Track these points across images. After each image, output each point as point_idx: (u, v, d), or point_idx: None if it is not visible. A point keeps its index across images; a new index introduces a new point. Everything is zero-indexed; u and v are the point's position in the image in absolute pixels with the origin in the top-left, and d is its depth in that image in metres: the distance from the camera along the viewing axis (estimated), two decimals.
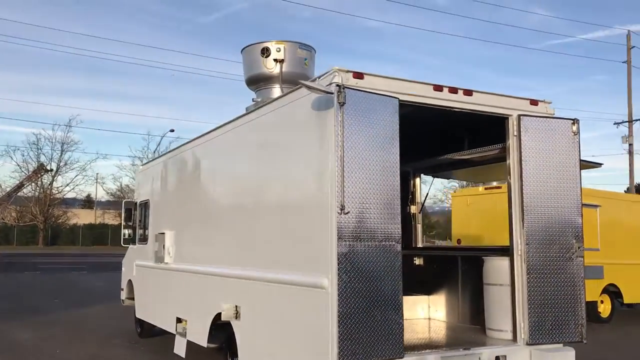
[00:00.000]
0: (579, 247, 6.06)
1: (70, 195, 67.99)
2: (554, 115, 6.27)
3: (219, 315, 7.35)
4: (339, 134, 4.93)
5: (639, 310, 17.28)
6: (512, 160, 6.04)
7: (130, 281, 11.65)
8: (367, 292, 4.95)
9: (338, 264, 4.84)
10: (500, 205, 14.10)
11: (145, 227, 10.94)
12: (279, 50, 7.05)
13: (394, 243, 5.16)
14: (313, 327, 5.22)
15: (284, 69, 7.13)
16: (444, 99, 5.77)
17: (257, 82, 7.56)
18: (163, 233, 9.38)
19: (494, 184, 15.46)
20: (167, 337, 11.24)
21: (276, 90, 7.36)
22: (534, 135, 6.03)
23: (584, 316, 6.02)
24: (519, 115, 6.03)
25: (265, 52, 7.11)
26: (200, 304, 7.84)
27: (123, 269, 12.26)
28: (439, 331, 6.95)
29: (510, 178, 6.07)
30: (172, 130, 69.18)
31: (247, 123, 6.64)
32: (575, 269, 6.02)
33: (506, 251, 6.45)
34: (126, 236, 11.63)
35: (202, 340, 7.74)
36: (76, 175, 65.80)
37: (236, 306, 6.81)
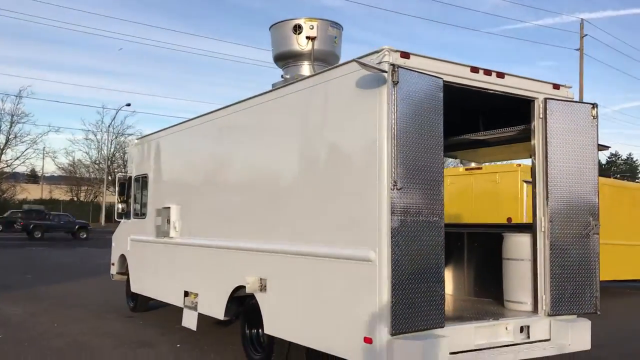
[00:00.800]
0: (595, 225, 6.42)
1: (20, 169, 65.97)
2: (575, 100, 6.57)
3: (237, 288, 7.48)
4: (392, 112, 5.08)
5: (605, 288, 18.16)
6: (538, 141, 6.33)
7: (122, 256, 11.55)
8: (415, 265, 5.16)
9: (392, 238, 5.02)
10: (478, 186, 14.62)
11: (142, 202, 10.84)
12: (311, 28, 7.10)
13: (438, 218, 5.37)
14: (356, 297, 5.41)
15: (315, 47, 7.19)
16: (479, 81, 5.98)
17: (287, 58, 7.60)
18: (168, 207, 9.35)
19: (473, 164, 15.88)
20: (162, 311, 11.29)
21: (305, 68, 7.43)
22: (558, 118, 6.32)
23: (598, 289, 6.41)
24: (545, 99, 6.31)
25: (298, 29, 7.15)
26: (216, 277, 7.91)
27: (113, 243, 12.12)
28: (459, 304, 7.25)
29: (534, 158, 6.36)
30: (128, 105, 68.07)
31: (283, 96, 6.67)
32: (591, 245, 6.39)
33: (519, 228, 6.76)
34: (120, 211, 11.50)
35: (218, 313, 7.83)
36: (27, 149, 63.64)
37: (261, 279, 6.93)
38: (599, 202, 6.49)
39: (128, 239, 11.11)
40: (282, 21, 7.42)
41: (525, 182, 12.63)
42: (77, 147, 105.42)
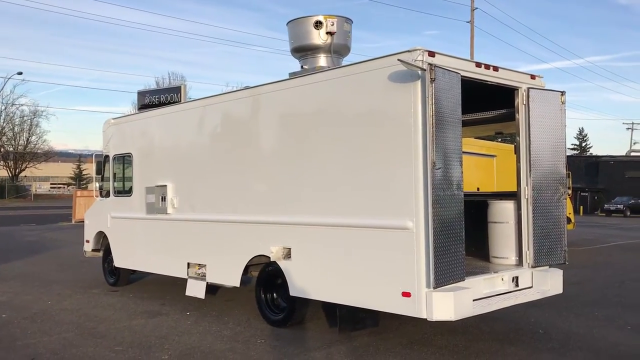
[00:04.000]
0: (563, 192, 7.85)
1: None
2: (548, 88, 7.90)
3: (253, 258, 8.30)
4: (430, 104, 6.09)
5: None
6: (522, 124, 7.59)
7: (99, 233, 11.83)
8: (446, 230, 6.27)
9: (432, 209, 6.08)
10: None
11: (125, 180, 11.18)
12: (332, 24, 7.87)
13: (460, 191, 6.50)
14: (393, 260, 6.46)
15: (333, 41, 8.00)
16: (481, 74, 7.12)
17: (305, 51, 8.33)
18: (164, 185, 9.85)
19: None
20: (143, 284, 11.78)
21: (322, 59, 8.21)
22: (537, 104, 7.62)
23: (566, 244, 7.87)
24: (528, 88, 7.57)
25: (319, 25, 7.90)
26: (230, 249, 8.64)
27: (87, 221, 12.32)
28: None
29: (519, 138, 7.63)
30: (19, 73, 64.10)
31: (309, 84, 7.47)
32: (561, 208, 7.81)
33: (499, 196, 8.08)
34: (98, 189, 11.73)
35: (233, 281, 8.61)
36: None
37: (284, 248, 7.79)
38: (565, 172, 7.91)
39: (108, 216, 11.42)
40: (301, 17, 8.14)
41: None
42: None
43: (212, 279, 9.03)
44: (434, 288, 6.10)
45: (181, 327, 8.23)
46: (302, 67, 8.47)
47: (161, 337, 7.69)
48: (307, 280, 7.53)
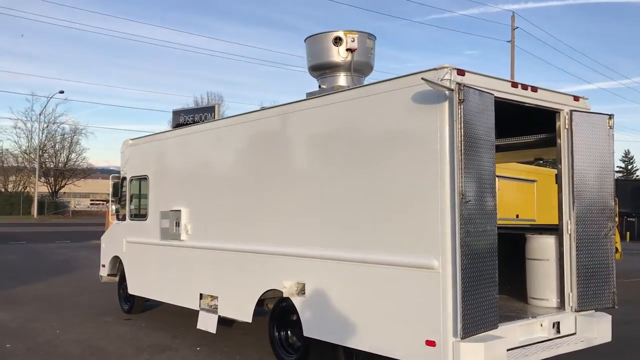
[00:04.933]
0: (611, 227, 6.99)
1: None
2: (594, 111, 7.09)
3: (266, 292, 7.66)
4: (458, 128, 5.39)
5: None
6: (564, 149, 6.80)
7: (115, 258, 11.39)
8: (477, 271, 5.52)
9: (461, 247, 5.34)
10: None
11: (141, 204, 10.73)
12: (352, 41, 7.28)
13: (493, 226, 5.75)
14: (416, 302, 5.72)
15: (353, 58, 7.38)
16: (518, 95, 6.38)
17: (323, 69, 7.75)
18: (178, 210, 9.33)
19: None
20: (159, 312, 11.26)
21: (342, 78, 7.60)
22: (581, 129, 6.82)
23: (615, 285, 7.00)
24: (571, 111, 6.79)
25: (338, 41, 7.31)
26: (242, 281, 8.02)
27: (103, 245, 11.91)
28: None
29: (561, 166, 6.84)
30: (61, 92, 65.30)
31: (324, 106, 6.86)
32: (609, 245, 6.95)
33: (539, 230, 7.25)
34: (114, 212, 11.32)
35: (245, 316, 7.97)
36: None
37: (298, 283, 7.13)
38: (614, 206, 7.06)
39: (124, 240, 10.96)
40: (319, 33, 7.57)
41: None
42: (5, 136, 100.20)
43: (224, 312, 8.41)
44: (462, 338, 5.34)
45: None
46: (319, 86, 7.86)
47: None
48: (321, 320, 6.84)
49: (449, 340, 5.46)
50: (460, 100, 5.40)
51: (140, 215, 10.71)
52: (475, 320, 5.45)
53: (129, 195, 11.04)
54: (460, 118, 5.40)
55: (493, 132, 5.82)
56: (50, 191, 70.46)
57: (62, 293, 13.65)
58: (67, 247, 27.28)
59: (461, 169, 5.38)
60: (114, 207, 11.28)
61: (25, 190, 67.55)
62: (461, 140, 5.39)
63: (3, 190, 67.51)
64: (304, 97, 7.38)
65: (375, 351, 6.17)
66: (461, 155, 5.38)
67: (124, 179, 11.17)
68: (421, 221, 5.74)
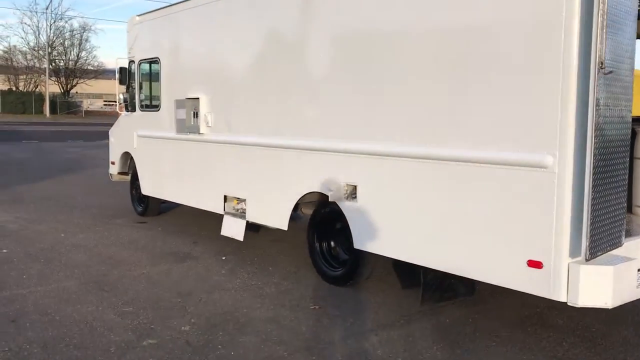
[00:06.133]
0: None
1: None
2: None
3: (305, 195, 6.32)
4: None
5: None
6: None
7: (126, 154, 10.06)
8: (609, 173, 4.06)
9: (594, 139, 3.84)
10: None
11: (152, 92, 9.24)
12: None
13: (628, 112, 4.22)
14: (518, 211, 4.33)
15: None
16: None
17: None
18: (196, 98, 7.83)
19: None
20: (176, 214, 10.08)
21: None
22: None
23: None
24: None
25: None
26: (276, 182, 6.66)
27: (112, 139, 10.56)
28: None
29: None
30: None
31: None
32: None
33: None
34: (122, 102, 9.86)
35: (279, 223, 6.68)
36: None
37: (348, 184, 5.74)
38: None
39: (134, 134, 9.57)
40: None
41: None
42: (12, 32, 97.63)
43: (253, 217, 7.12)
44: (587, 259, 3.96)
45: (212, 279, 6.43)
46: None
47: (186, 294, 5.89)
48: (379, 231, 5.49)
49: (563, 261, 4.10)
50: None
51: (152, 105, 9.25)
52: (603, 236, 4.05)
53: (138, 83, 9.51)
54: None
55: None
56: (62, 90, 68.97)
57: (71, 193, 12.51)
58: (79, 146, 26.16)
59: (604, 26, 3.76)
60: (121, 96, 9.80)
61: (37, 90, 66.14)
62: None
63: (15, 89, 66.15)
64: None
65: (454, 271, 4.85)
66: (603, 4, 3.75)
67: (132, 62, 9.60)
68: (529, 99, 4.21)
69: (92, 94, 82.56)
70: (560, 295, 4.11)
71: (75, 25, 67.29)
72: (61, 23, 66.58)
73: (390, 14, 5.23)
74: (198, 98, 7.82)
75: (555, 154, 4.07)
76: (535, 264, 4.23)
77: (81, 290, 5.96)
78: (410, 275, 5.88)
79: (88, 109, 71.38)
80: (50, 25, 65.39)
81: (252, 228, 7.59)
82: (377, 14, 5.35)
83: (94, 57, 71.18)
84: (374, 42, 5.43)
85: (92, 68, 70.67)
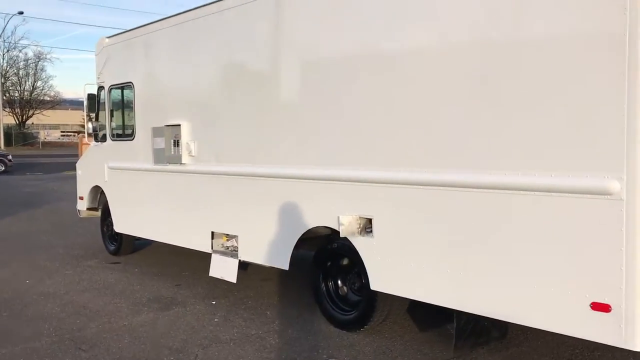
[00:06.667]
0: None
1: None
2: None
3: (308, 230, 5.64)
4: None
5: None
6: None
7: (95, 188, 9.20)
8: None
9: None
10: None
11: (125, 120, 8.46)
12: None
13: None
14: (579, 249, 3.74)
15: None
16: None
17: None
18: (177, 125, 7.11)
19: None
20: (151, 252, 9.23)
21: None
22: None
23: None
24: None
25: None
26: (274, 216, 5.95)
27: (79, 172, 9.68)
28: None
29: None
30: (20, 13, 60.41)
31: None
32: None
33: None
34: (91, 131, 9.02)
35: (280, 262, 5.96)
36: None
37: (361, 218, 5.09)
38: None
39: (105, 166, 8.74)
40: None
41: None
42: None
43: (247, 256, 6.39)
44: None
45: (205, 330, 5.64)
46: None
47: (177, 350, 5.10)
48: (401, 270, 4.83)
49: (638, 302, 3.51)
50: None
51: (125, 134, 8.46)
52: None
53: (108, 110, 8.71)
54: None
55: None
56: (18, 122, 66.78)
57: (35, 230, 11.53)
58: (38, 178, 24.90)
59: None
60: (90, 125, 8.97)
61: None
62: None
63: None
64: None
65: (498, 316, 4.22)
66: None
67: (102, 88, 8.80)
68: (589, 116, 3.65)
69: (48, 124, 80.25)
70: (635, 344, 3.52)
71: (30, 54, 65.26)
72: (15, 52, 64.63)
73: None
74: (179, 125, 7.09)
75: (623, 177, 3.51)
76: (601, 307, 3.63)
77: (54, 350, 5.11)
78: (429, 317, 5.24)
79: (45, 140, 69.23)
80: (3, 54, 63.52)
81: (240, 266, 6.84)
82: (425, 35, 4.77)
83: (50, 86, 69.14)
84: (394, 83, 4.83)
85: (48, 98, 68.79)
